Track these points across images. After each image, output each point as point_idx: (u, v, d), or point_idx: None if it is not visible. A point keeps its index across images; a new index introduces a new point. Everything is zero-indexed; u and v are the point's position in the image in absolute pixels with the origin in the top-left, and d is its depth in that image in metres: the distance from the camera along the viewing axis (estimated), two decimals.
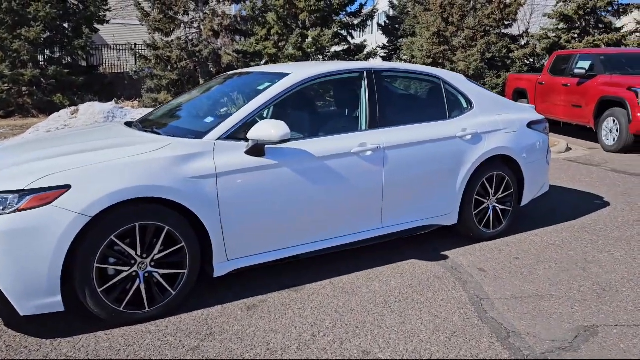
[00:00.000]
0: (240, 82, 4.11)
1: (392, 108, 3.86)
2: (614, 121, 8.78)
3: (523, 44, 16.23)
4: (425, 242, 4.22)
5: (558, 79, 10.41)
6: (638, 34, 15.95)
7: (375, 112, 3.69)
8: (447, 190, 4.01)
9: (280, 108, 3.59)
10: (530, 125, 4.55)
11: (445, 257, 3.95)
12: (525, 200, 4.58)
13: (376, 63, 3.67)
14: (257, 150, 3.08)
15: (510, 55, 15.20)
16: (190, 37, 13.25)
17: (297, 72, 3.50)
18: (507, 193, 4.39)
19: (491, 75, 14.71)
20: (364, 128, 3.65)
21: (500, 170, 4.29)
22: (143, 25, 13.30)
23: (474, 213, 4.20)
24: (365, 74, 3.76)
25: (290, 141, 3.17)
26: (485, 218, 4.29)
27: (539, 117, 4.71)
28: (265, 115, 3.49)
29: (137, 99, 14.78)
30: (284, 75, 3.50)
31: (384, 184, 3.62)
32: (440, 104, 4.14)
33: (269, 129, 2.99)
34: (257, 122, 3.13)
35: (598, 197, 5.76)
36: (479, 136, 4.13)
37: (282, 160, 3.18)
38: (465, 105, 4.25)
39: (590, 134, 9.88)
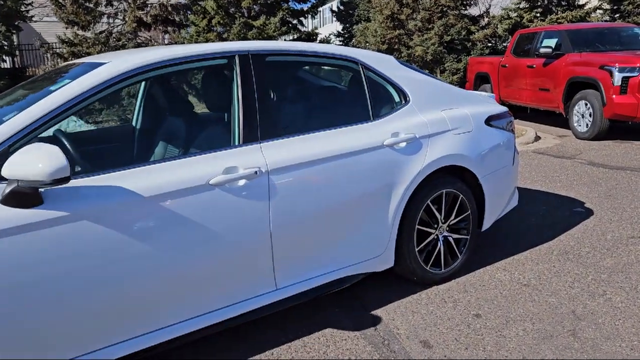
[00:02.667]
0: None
1: (282, 109, 2.61)
2: (586, 105, 7.74)
3: (484, 24, 15.19)
4: (351, 295, 3.00)
5: (522, 61, 9.34)
6: (602, 10, 15.11)
7: (253, 116, 2.42)
8: (375, 223, 2.78)
9: (84, 120, 2.29)
10: (490, 121, 3.35)
11: (377, 321, 2.73)
12: (487, 223, 3.40)
13: (257, 43, 2.37)
14: (21, 197, 1.78)
15: (471, 37, 14.13)
16: (113, 30, 11.72)
17: (117, 62, 2.20)
18: (462, 216, 3.20)
19: (451, 59, 13.63)
20: (236, 143, 2.38)
21: (451, 187, 3.09)
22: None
23: (416, 250, 2.99)
24: (237, 60, 2.47)
25: (86, 176, 1.89)
26: (434, 253, 3.09)
27: (501, 109, 3.52)
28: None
29: None
30: (95, 66, 2.20)
31: (272, 227, 2.37)
32: (359, 98, 2.90)
33: (34, 162, 1.70)
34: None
35: (578, 203, 4.64)
36: (417, 142, 2.91)
37: (77, 211, 1.89)
38: (397, 98, 3.02)
39: (560, 120, 8.84)
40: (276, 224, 2.38)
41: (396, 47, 13.81)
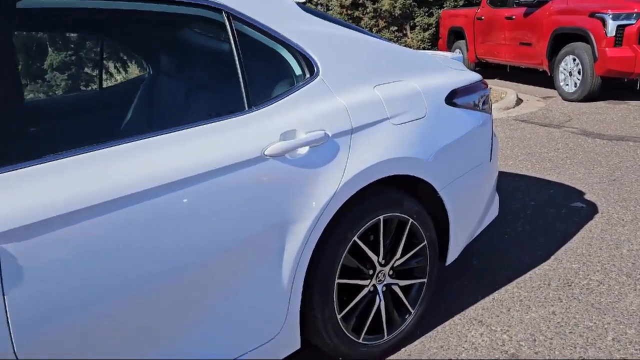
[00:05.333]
0: None
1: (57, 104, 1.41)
2: (575, 60, 6.61)
3: None
4: None
5: (500, 11, 8.11)
6: None
7: None
8: (259, 286, 1.63)
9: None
10: (454, 98, 2.17)
11: None
12: (454, 253, 2.26)
13: None
14: None
15: None
16: None
17: None
18: (414, 251, 2.06)
19: (422, 14, 12.28)
20: None
21: (393, 211, 1.93)
22: None
23: (339, 316, 1.85)
24: None
25: None
26: (371, 314, 1.96)
27: (470, 77, 2.34)
28: None
29: None
30: None
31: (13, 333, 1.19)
32: (224, 74, 1.70)
33: None
34: None
35: (575, 193, 3.55)
36: (330, 144, 1.72)
37: None
38: (296, 70, 1.81)
39: (544, 79, 7.70)
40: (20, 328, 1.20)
41: (361, 1, 12.40)
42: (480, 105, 2.33)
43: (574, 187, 3.66)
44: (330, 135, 1.73)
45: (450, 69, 2.29)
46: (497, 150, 2.52)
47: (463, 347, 2.05)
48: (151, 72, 2.04)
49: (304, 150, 1.66)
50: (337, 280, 1.81)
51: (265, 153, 1.57)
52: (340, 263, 1.81)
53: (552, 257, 2.70)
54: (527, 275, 2.54)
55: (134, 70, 2.16)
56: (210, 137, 1.53)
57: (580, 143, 4.75)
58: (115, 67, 2.34)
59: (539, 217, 3.19)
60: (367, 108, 1.86)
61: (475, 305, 2.33)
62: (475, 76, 2.37)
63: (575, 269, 2.57)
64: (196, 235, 1.46)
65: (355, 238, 1.84)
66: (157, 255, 1.40)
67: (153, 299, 1.41)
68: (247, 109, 1.64)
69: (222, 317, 1.57)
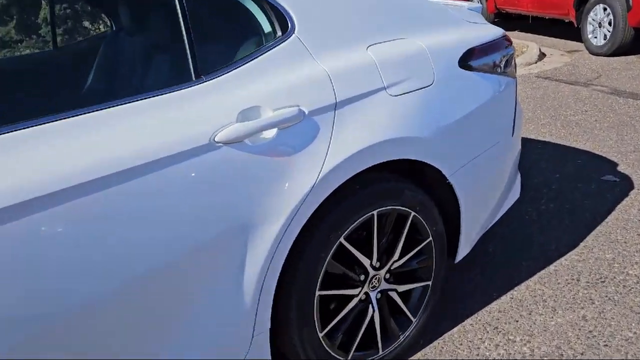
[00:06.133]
0: None
1: None
2: (605, 10, 6.00)
3: None
4: None
5: None
6: None
7: None
8: (216, 303, 1.28)
9: None
10: (470, 59, 1.74)
11: None
12: (465, 248, 1.89)
13: None
14: None
15: None
16: None
17: None
18: (416, 250, 1.69)
19: None
20: None
21: (390, 204, 1.56)
22: None
23: (321, 334, 1.50)
24: None
25: None
26: (362, 327, 1.62)
27: (491, 33, 1.89)
28: None
29: None
30: None
31: None
32: (165, 33, 1.30)
33: None
34: None
35: (606, 163, 3.12)
36: (306, 124, 1.33)
37: None
38: (265, 25, 1.39)
39: (570, 31, 7.07)
40: None
41: None
42: (502, 68, 1.90)
43: (605, 157, 3.23)
44: (306, 112, 1.33)
45: (465, 22, 1.85)
46: (521, 121, 2.10)
47: None
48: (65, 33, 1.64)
49: (270, 133, 1.27)
50: (318, 293, 1.46)
51: (216, 139, 1.19)
52: (323, 271, 1.45)
53: (581, 244, 2.32)
54: (552, 267, 2.17)
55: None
56: (140, 119, 1.15)
57: (611, 104, 4.26)
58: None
59: (565, 194, 2.78)
60: (357, 75, 1.45)
61: (489, 306, 1.97)
62: (497, 31, 1.93)
63: (609, 260, 2.19)
64: (119, 249, 1.10)
65: (342, 240, 1.47)
66: (68, 280, 1.04)
67: (70, 329, 1.07)
68: (193, 79, 1.24)
69: (164, 346, 1.23)
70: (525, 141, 3.53)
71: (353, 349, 1.59)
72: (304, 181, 1.32)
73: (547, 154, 3.32)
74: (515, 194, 2.14)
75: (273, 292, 1.35)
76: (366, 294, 1.62)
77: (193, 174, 1.17)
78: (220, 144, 1.20)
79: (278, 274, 1.34)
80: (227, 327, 1.30)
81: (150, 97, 1.17)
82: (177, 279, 1.20)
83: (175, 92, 1.21)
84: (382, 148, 1.46)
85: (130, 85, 1.27)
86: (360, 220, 1.49)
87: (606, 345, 1.74)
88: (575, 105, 4.31)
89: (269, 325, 1.38)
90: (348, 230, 1.47)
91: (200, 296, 1.24)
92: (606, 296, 1.98)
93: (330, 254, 1.45)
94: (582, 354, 1.71)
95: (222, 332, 1.30)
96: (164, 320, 1.21)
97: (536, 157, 3.28)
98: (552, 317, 1.89)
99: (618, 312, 1.89)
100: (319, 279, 1.45)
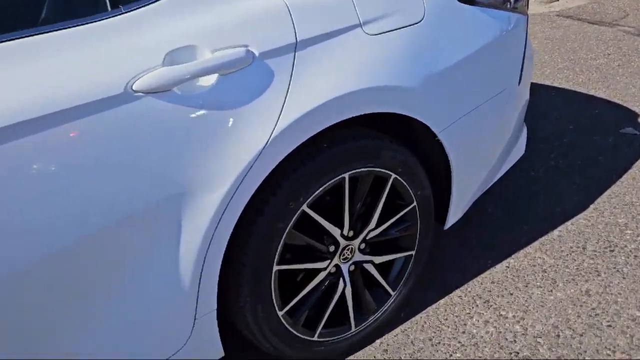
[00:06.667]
0: None
1: None
2: None
3: None
4: None
5: None
6: None
7: None
8: (146, 282, 1.08)
9: None
10: None
11: None
12: (457, 213, 1.66)
13: None
14: None
15: None
16: None
17: None
18: (398, 216, 1.47)
19: None
20: None
21: (366, 164, 1.32)
22: None
23: (280, 313, 1.32)
24: None
25: None
26: (330, 304, 1.43)
27: None
28: None
29: None
30: None
31: None
32: None
33: None
34: None
35: (627, 116, 2.82)
36: (258, 69, 1.08)
37: None
38: None
39: None
40: None
41: None
42: (512, 2, 1.59)
43: (626, 107, 2.92)
44: (257, 54, 1.08)
45: None
46: (532, 67, 1.81)
47: (459, 343, 1.53)
48: None
49: (208, 80, 1.03)
50: (276, 267, 1.26)
51: (134, 87, 0.95)
52: (281, 244, 1.24)
53: (591, 207, 2.08)
54: (556, 232, 1.95)
55: None
56: (36, 60, 0.90)
57: (637, 47, 3.88)
58: None
59: (578, 148, 2.51)
60: (326, 8, 1.17)
61: (482, 276, 1.77)
62: None
63: (621, 226, 1.96)
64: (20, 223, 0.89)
65: (305, 208, 1.25)
66: None
67: None
68: (108, 9, 0.98)
69: (86, 331, 1.05)
70: (538, 87, 3.22)
71: (320, 327, 1.41)
72: (253, 140, 1.08)
73: (561, 103, 3.02)
74: (519, 150, 1.89)
75: (218, 269, 1.15)
76: (337, 266, 1.41)
77: (106, 131, 0.94)
78: (140, 94, 0.96)
79: (224, 249, 1.14)
80: (162, 308, 1.11)
81: (51, 32, 0.92)
82: (94, 255, 0.99)
83: (84, 26, 0.95)
84: (354, 99, 1.21)
85: (24, 17, 1.02)
86: (328, 184, 1.27)
87: (610, 325, 1.55)
88: (597, 47, 3.93)
89: (214, 306, 1.19)
90: (313, 196, 1.25)
91: (124, 274, 1.04)
92: (614, 268, 1.76)
93: (291, 224, 1.24)
94: (581, 335, 1.52)
95: (156, 313, 1.11)
96: (83, 301, 1.02)
97: (548, 106, 2.98)
98: (551, 291, 1.69)
99: (626, 287, 1.68)
100: (277, 253, 1.24)
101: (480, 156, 1.61)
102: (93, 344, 1.05)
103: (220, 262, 1.15)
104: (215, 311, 1.20)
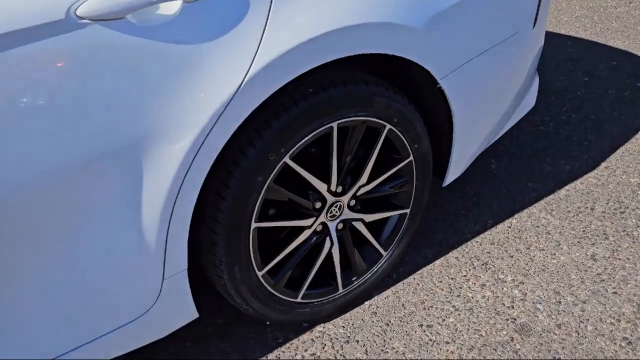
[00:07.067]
0: None
1: None
2: None
3: None
4: None
5: None
6: None
7: None
8: (104, 239, 0.98)
9: None
10: None
11: None
12: (457, 170, 1.53)
13: None
14: None
15: None
16: None
17: None
18: (393, 171, 1.34)
19: None
20: None
21: (358, 112, 1.18)
22: None
23: (260, 273, 1.22)
24: None
25: None
26: (315, 266, 1.32)
27: None
28: None
29: None
30: None
31: None
32: None
33: None
34: None
35: None
36: None
37: None
38: None
39: None
40: None
41: None
42: None
43: None
44: None
45: None
46: (548, 9, 1.62)
47: (452, 307, 1.44)
48: None
49: (170, 7, 0.88)
50: (255, 225, 1.14)
51: (79, 13, 0.80)
52: (260, 198, 1.12)
53: (603, 165, 1.95)
54: (563, 191, 1.82)
55: None
56: None
57: None
58: None
59: (592, 102, 2.35)
60: None
61: (481, 236, 1.66)
62: None
63: (634, 186, 1.83)
64: None
65: (287, 160, 1.12)
66: None
67: None
68: None
69: (29, 289, 0.95)
70: (552, 36, 3.01)
71: (304, 288, 1.31)
72: (224, 82, 0.94)
73: (577, 53, 2.82)
74: (529, 101, 1.73)
75: (187, 227, 1.04)
76: (323, 224, 1.30)
77: (43, 65, 0.80)
78: (86, 21, 0.81)
79: (193, 205, 1.02)
80: (124, 267, 1.01)
81: None
82: (38, 206, 0.88)
83: None
84: (344, 37, 1.05)
85: None
86: (313, 134, 1.13)
87: (615, 292, 1.45)
88: None
89: (185, 266, 1.09)
90: (296, 147, 1.12)
91: (79, 231, 0.93)
92: (624, 231, 1.65)
93: (271, 177, 1.11)
94: (584, 301, 1.42)
95: (117, 272, 1.01)
96: (27, 257, 0.91)
97: (563, 56, 2.78)
98: (555, 254, 1.58)
99: (635, 252, 1.57)
100: (256, 209, 1.12)
101: (486, 107, 1.46)
102: (37, 303, 0.95)
103: (189, 219, 1.03)
104: (186, 271, 1.10)
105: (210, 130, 0.96)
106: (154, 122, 0.91)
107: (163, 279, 1.07)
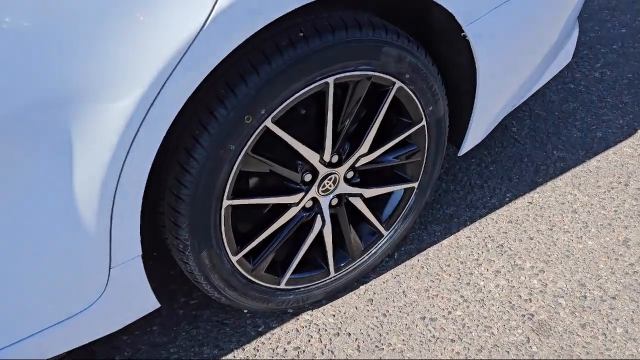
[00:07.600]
0: None
1: None
2: None
3: None
4: None
5: None
6: None
7: None
8: (33, 224, 0.76)
9: None
10: None
11: None
12: (476, 137, 1.29)
13: None
14: None
15: None
16: None
17: None
18: (401, 137, 1.11)
19: None
20: None
21: (360, 65, 0.93)
22: None
23: (234, 259, 1.01)
24: None
25: None
26: (301, 249, 1.11)
27: None
28: None
29: None
30: None
31: None
32: None
33: None
34: None
35: None
36: None
37: None
38: None
39: None
40: None
41: None
42: None
43: None
44: None
45: None
46: None
47: (461, 297, 1.24)
48: None
49: None
50: (227, 202, 0.93)
51: None
52: (234, 171, 0.90)
53: (639, 132, 1.70)
54: (594, 162, 1.59)
55: None
56: None
57: None
58: None
59: (630, 58, 2.07)
60: None
61: (498, 212, 1.45)
62: None
63: None
64: None
65: (269, 123, 0.89)
66: None
67: None
68: None
69: None
70: None
71: (287, 274, 1.11)
72: (180, 22, 0.70)
73: (614, 0, 2.50)
74: (566, 56, 1.46)
75: (138, 207, 0.82)
76: (314, 199, 1.08)
77: None
78: None
79: (144, 179, 0.80)
80: (56, 255, 0.80)
81: None
82: None
83: None
84: None
85: None
86: (303, 92, 0.89)
87: None
88: None
89: (139, 252, 0.88)
90: (280, 107, 0.88)
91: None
92: None
93: (248, 145, 0.88)
94: (613, 297, 1.23)
95: (50, 264, 0.80)
96: None
97: (598, 3, 2.46)
98: (581, 238, 1.37)
99: None
100: (228, 184, 0.90)
101: (516, 61, 1.20)
102: None
103: (140, 198, 0.81)
104: (140, 257, 0.89)
105: (163, 86, 0.72)
106: (88, 72, 0.68)
107: (110, 267, 0.86)
